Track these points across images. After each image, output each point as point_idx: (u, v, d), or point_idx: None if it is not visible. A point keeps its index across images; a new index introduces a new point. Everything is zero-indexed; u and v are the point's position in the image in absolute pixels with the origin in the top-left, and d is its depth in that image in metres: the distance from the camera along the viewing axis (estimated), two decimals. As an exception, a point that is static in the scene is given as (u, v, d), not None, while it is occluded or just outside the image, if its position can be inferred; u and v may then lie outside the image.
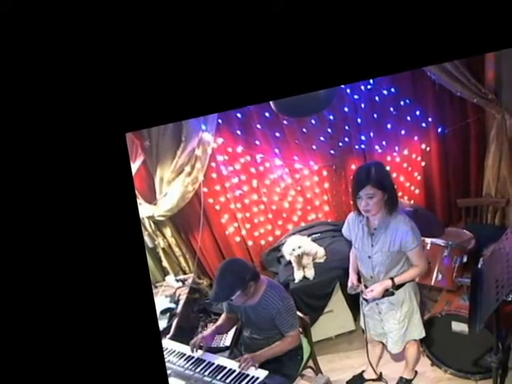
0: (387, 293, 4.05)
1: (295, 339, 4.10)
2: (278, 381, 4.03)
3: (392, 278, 3.99)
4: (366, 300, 4.26)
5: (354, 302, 5.20)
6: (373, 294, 4.04)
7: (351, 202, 4.04)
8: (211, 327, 4.47)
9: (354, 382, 4.98)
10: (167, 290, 5.47)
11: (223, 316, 4.47)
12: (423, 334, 4.40)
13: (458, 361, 4.60)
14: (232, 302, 3.99)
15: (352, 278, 4.38)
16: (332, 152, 5.71)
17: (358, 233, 4.08)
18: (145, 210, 5.29)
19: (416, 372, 4.78)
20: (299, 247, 5.15)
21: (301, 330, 4.55)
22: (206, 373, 3.94)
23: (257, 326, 4.18)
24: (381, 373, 4.92)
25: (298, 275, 5.22)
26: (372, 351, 4.72)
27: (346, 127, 5.64)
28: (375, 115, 5.61)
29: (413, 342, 4.44)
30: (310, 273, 5.24)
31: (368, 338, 4.55)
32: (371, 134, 5.69)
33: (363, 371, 4.98)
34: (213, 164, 5.44)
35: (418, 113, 5.65)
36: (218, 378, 3.85)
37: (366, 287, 4.17)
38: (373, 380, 4.95)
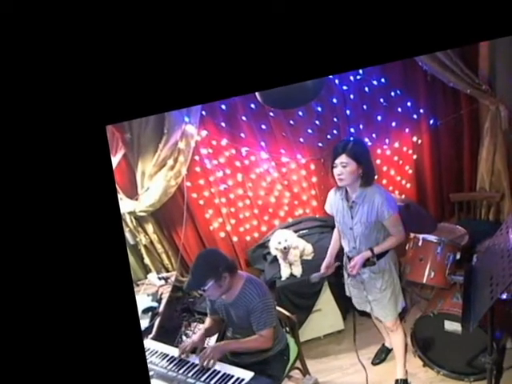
0: (369, 262, 4.26)
1: (267, 340, 4.07)
2: (264, 382, 4.03)
3: (371, 249, 4.19)
4: (348, 274, 4.49)
5: (342, 301, 5.23)
6: (356, 267, 4.23)
7: (331, 180, 4.18)
8: (200, 331, 4.46)
9: (380, 354, 5.23)
10: (149, 288, 5.47)
11: (208, 320, 4.48)
12: (403, 304, 4.56)
13: (451, 361, 4.62)
14: (206, 293, 3.98)
15: (328, 260, 4.63)
16: (320, 145, 5.71)
17: (338, 207, 4.30)
18: (126, 205, 5.28)
19: (406, 371, 4.83)
20: (285, 240, 5.16)
21: (287, 329, 4.57)
22: (190, 374, 3.94)
23: (238, 324, 4.19)
24: None
25: (284, 272, 5.23)
26: (377, 322, 4.97)
27: (335, 119, 5.64)
28: (365, 107, 5.62)
29: (398, 324, 4.61)
30: (298, 270, 5.25)
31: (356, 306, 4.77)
32: (361, 126, 5.70)
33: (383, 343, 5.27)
34: (196, 157, 5.44)
35: (409, 104, 5.66)
36: (202, 379, 3.85)
37: (351, 260, 4.33)
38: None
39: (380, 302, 4.44)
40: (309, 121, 5.58)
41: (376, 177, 4.28)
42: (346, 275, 4.62)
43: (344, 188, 4.19)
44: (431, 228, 4.84)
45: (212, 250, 4.57)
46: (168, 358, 4.16)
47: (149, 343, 4.37)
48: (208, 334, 4.46)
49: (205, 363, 3.90)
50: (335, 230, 4.62)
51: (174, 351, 4.23)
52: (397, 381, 4.84)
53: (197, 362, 4.03)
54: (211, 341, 4.69)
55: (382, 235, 4.22)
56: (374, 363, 5.16)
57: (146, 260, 5.76)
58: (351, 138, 4.20)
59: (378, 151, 5.83)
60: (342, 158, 3.97)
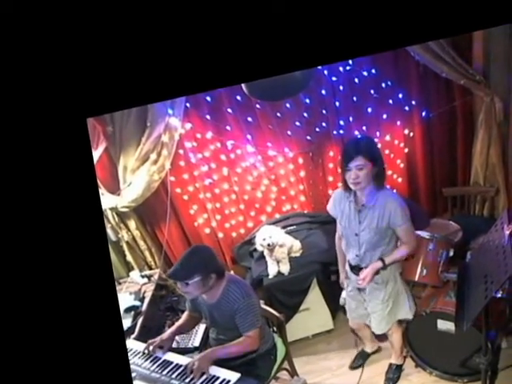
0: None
1: (254, 341, 4.07)
2: (251, 383, 4.04)
3: (382, 259, 4.12)
4: (348, 285, 4.51)
5: (332, 299, 5.24)
6: (367, 280, 4.15)
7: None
8: (171, 328, 4.45)
9: (358, 359, 5.21)
10: (131, 286, 5.46)
11: (185, 315, 4.49)
12: (409, 316, 4.50)
13: (444, 362, 4.64)
14: (186, 289, 3.97)
15: (342, 277, 4.61)
16: (308, 138, 5.71)
17: (344, 210, 4.19)
18: (107, 200, 5.26)
19: (405, 357, 4.88)
20: (270, 237, 5.17)
21: (275, 329, 4.58)
22: (174, 375, 3.94)
23: (222, 326, 4.20)
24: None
25: (272, 270, 5.24)
26: (363, 331, 4.97)
27: (324, 111, 5.64)
28: (355, 98, 5.62)
29: (396, 326, 4.58)
30: (285, 268, 5.25)
31: (350, 322, 4.83)
32: (350, 119, 5.69)
33: (362, 349, 5.24)
34: (180, 151, 5.42)
35: (400, 96, 5.67)
36: (187, 381, 3.84)
37: (354, 269, 4.29)
38: (374, 353, 5.21)
39: (380, 315, 4.43)
40: (297, 113, 5.57)
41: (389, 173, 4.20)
42: (346, 285, 4.60)
43: (353, 190, 4.07)
44: (423, 224, 4.85)
45: (207, 247, 4.55)
46: (151, 358, 4.15)
47: (131, 343, 4.36)
48: (179, 331, 4.48)
49: (194, 375, 3.88)
50: (337, 238, 4.56)
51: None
52: (390, 364, 4.89)
53: (181, 362, 4.04)
54: (195, 341, 4.69)
55: (388, 243, 4.16)
56: (351, 367, 5.18)
57: (129, 257, 5.75)
58: (359, 137, 4.10)
59: (369, 144, 5.83)
60: (359, 161, 3.82)
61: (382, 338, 5.05)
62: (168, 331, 4.38)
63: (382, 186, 4.03)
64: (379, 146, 5.63)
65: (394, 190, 4.51)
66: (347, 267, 4.46)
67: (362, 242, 4.13)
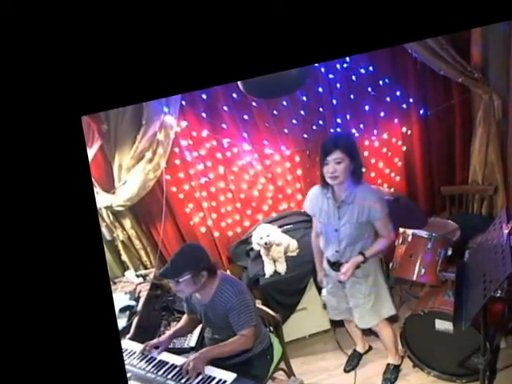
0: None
1: (249, 340, 4.07)
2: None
3: (362, 253, 4.20)
4: (327, 282, 4.60)
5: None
6: (348, 274, 4.23)
7: (317, 173, 4.18)
8: (169, 331, 4.49)
9: (352, 360, 5.22)
10: (127, 286, 5.46)
11: (184, 318, 4.51)
12: (393, 312, 4.57)
13: (442, 362, 4.64)
14: (178, 287, 3.97)
15: (320, 275, 4.69)
16: (305, 136, 5.71)
17: (322, 207, 4.25)
18: (102, 199, 5.26)
19: (402, 357, 4.91)
20: (267, 236, 5.17)
21: (271, 328, 4.58)
22: (170, 376, 3.94)
23: (216, 325, 4.20)
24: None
25: (268, 270, 5.24)
26: (352, 328, 5.00)
27: (321, 109, 5.64)
28: (352, 96, 5.62)
29: (384, 323, 4.63)
30: (282, 267, 5.25)
31: (331, 316, 4.91)
32: (347, 117, 5.70)
33: (354, 349, 5.28)
34: (176, 149, 5.43)
35: (398, 93, 5.67)
36: (182, 381, 3.84)
37: (334, 265, 4.36)
38: (366, 352, 5.25)
39: (362, 309, 4.48)
40: (293, 111, 5.57)
41: (364, 170, 4.28)
42: (325, 282, 4.67)
43: (331, 186, 4.14)
44: (421, 223, 4.87)
45: (198, 245, 4.55)
46: (147, 358, 4.15)
47: (126, 344, 4.37)
48: (178, 334, 4.50)
49: (189, 376, 3.88)
50: (313, 236, 4.63)
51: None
52: (388, 365, 4.91)
53: (177, 363, 4.04)
54: (191, 342, 4.69)
55: (367, 238, 4.24)
56: (346, 370, 5.18)
57: (124, 257, 5.75)
58: (340, 132, 4.16)
59: (366, 143, 5.85)
60: (336, 154, 3.90)
61: (374, 337, 5.08)
62: (167, 334, 4.41)
63: (360, 181, 4.09)
64: (378, 144, 5.66)
65: (373, 186, 4.55)
66: (325, 265, 4.54)
67: (342, 237, 4.20)
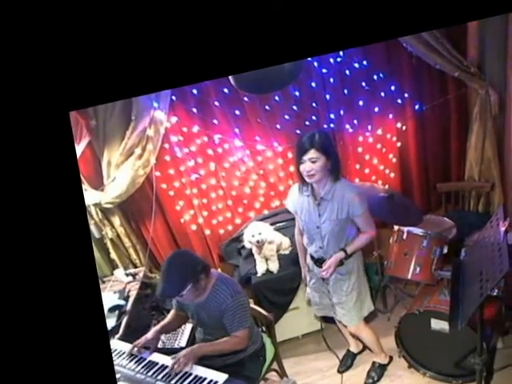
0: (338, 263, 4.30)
1: (242, 341, 4.08)
2: (239, 385, 4.04)
3: (344, 249, 4.25)
4: (310, 278, 4.66)
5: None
6: (330, 270, 4.28)
7: (295, 171, 4.27)
8: (155, 327, 4.43)
9: (346, 360, 5.25)
10: (116, 285, 5.45)
11: (171, 313, 4.49)
12: (372, 308, 4.66)
13: (437, 362, 4.65)
14: (181, 298, 3.99)
15: (304, 271, 4.77)
16: (298, 132, 5.68)
17: (303, 204, 4.31)
18: (91, 196, 5.24)
19: (391, 357, 4.96)
20: (259, 233, 5.17)
21: (263, 328, 4.58)
22: (159, 377, 3.93)
23: (209, 325, 4.20)
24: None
25: (260, 268, 5.24)
26: (342, 328, 5.07)
27: (314, 104, 5.63)
28: (346, 91, 5.61)
29: (362, 325, 4.70)
30: (274, 265, 5.25)
31: (317, 312, 4.98)
32: (341, 112, 5.69)
33: (348, 349, 5.31)
34: (166, 145, 5.40)
35: (393, 88, 5.66)
36: (172, 382, 3.85)
37: (318, 262, 4.41)
38: (360, 352, 5.27)
39: (345, 306, 4.52)
40: (286, 106, 5.56)
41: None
42: (309, 278, 4.71)
43: (309, 184, 4.18)
44: (417, 220, 4.87)
45: (183, 251, 4.53)
46: (136, 359, 4.15)
47: (115, 344, 4.36)
48: (164, 330, 4.48)
49: (178, 371, 3.88)
50: (296, 233, 4.69)
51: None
52: (373, 363, 4.98)
53: (167, 363, 4.03)
54: (182, 342, 4.69)
55: (352, 233, 4.28)
56: (339, 371, 5.20)
57: (113, 255, 5.73)
58: (315, 131, 4.19)
59: (360, 138, 5.85)
60: (311, 153, 3.95)
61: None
62: (153, 330, 4.36)
63: (338, 179, 4.13)
64: (372, 140, 5.66)
65: (353, 182, 4.59)
66: (309, 261, 4.59)
67: (324, 233, 4.25)
